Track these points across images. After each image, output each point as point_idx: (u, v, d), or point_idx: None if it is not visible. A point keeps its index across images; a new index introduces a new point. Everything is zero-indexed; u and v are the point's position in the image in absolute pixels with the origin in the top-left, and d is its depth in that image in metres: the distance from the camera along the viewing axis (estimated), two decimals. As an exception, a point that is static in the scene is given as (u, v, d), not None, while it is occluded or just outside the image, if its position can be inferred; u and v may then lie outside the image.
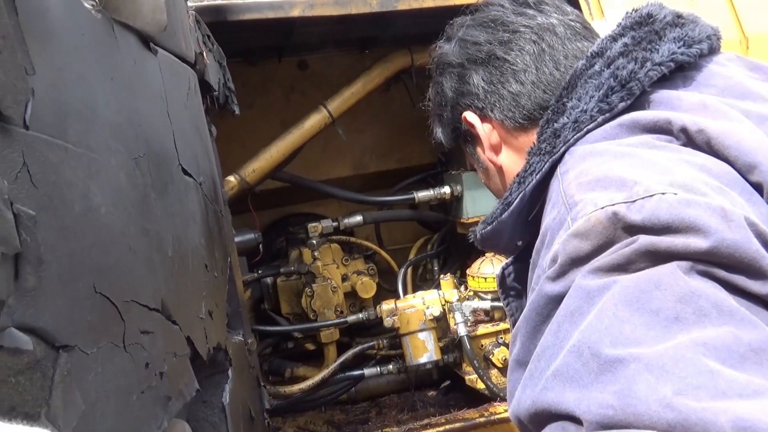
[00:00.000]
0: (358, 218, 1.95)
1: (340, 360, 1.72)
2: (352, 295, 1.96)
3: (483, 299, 1.79)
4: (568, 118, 0.67)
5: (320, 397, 1.81)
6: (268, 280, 1.95)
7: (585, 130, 0.66)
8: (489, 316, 1.84)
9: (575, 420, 0.47)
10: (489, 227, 0.76)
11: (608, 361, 0.47)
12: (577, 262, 0.54)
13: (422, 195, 1.91)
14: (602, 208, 0.54)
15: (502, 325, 1.77)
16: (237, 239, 1.50)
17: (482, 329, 1.76)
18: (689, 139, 0.60)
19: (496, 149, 0.82)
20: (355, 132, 2.17)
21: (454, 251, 2.22)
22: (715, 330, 0.46)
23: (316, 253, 1.83)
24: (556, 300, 0.56)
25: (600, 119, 0.65)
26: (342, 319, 1.78)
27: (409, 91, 2.03)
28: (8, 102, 0.34)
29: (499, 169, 0.85)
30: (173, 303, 0.56)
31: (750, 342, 0.46)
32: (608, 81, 0.66)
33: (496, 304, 1.77)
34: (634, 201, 0.53)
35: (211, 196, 0.85)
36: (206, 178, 0.82)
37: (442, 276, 1.80)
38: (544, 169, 0.68)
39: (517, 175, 0.72)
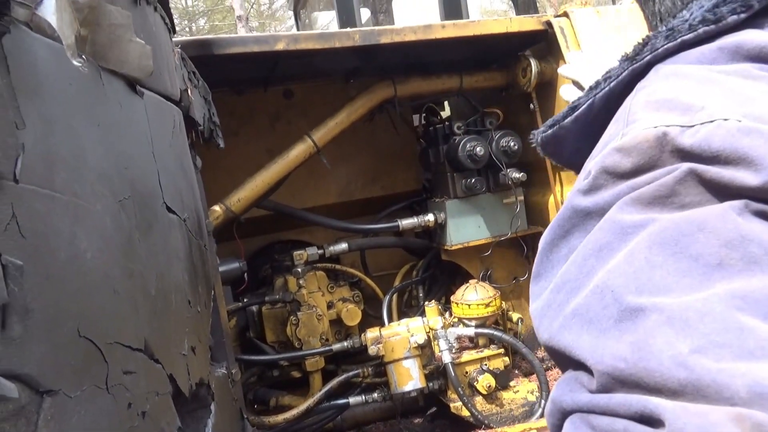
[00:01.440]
0: (344, 246, 1.97)
1: (325, 389, 1.72)
2: (337, 323, 1.96)
3: (467, 326, 1.80)
4: (665, 26, 0.57)
5: (305, 426, 1.79)
6: (254, 308, 1.95)
7: (679, 40, 0.55)
8: (473, 342, 1.85)
9: (587, 370, 0.45)
10: (549, 131, 0.68)
11: (630, 309, 0.43)
12: (612, 176, 0.49)
13: (406, 222, 1.93)
14: (655, 127, 0.48)
15: (487, 352, 1.78)
16: (222, 268, 1.50)
17: (467, 356, 1.77)
18: None
19: None
20: (341, 160, 2.20)
21: (440, 278, 2.24)
22: (764, 280, 0.41)
23: (301, 281, 1.84)
24: (581, 215, 0.51)
25: (701, 31, 0.54)
26: (327, 348, 1.78)
27: (393, 120, 2.07)
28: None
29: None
30: (156, 341, 0.57)
31: None
32: None
33: (480, 330, 1.79)
34: (692, 126, 0.46)
35: (195, 230, 0.86)
36: (190, 213, 0.83)
37: (426, 303, 1.81)
38: (621, 77, 0.59)
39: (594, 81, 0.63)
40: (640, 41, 0.59)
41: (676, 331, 0.40)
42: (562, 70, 1.62)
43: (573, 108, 0.64)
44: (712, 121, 0.46)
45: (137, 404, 0.51)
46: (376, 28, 1.53)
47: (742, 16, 0.53)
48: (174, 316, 0.66)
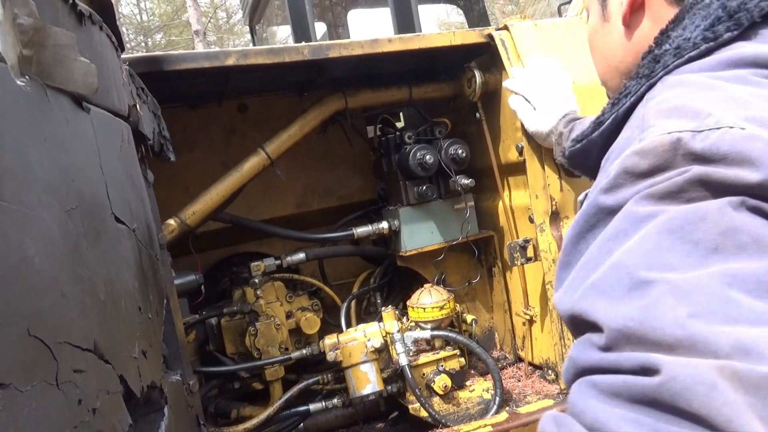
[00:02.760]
0: (301, 255, 2.00)
1: (285, 397, 1.74)
2: (297, 332, 1.99)
3: (423, 329, 1.86)
4: (670, 45, 0.68)
5: (267, 435, 1.81)
6: (213, 320, 1.96)
7: (686, 57, 0.66)
8: (430, 345, 1.90)
9: (600, 331, 0.54)
10: (578, 145, 0.78)
11: (640, 281, 0.53)
12: (631, 176, 0.58)
13: (361, 231, 1.98)
14: (669, 133, 0.57)
15: (442, 353, 1.84)
16: (177, 281, 1.52)
17: (423, 358, 1.82)
18: None
19: (635, 5, 0.79)
20: (297, 171, 2.23)
21: (397, 284, 2.29)
22: (750, 263, 0.50)
23: (258, 292, 1.86)
24: (605, 211, 0.60)
25: (703, 48, 0.65)
26: (286, 356, 1.81)
27: (346, 131, 2.12)
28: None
29: (621, 34, 0.82)
30: (106, 343, 0.60)
31: None
32: (716, 11, 0.66)
33: (436, 333, 1.84)
34: (701, 131, 0.56)
35: (146, 240, 0.89)
36: (140, 224, 0.86)
37: (383, 308, 1.85)
38: (639, 92, 0.68)
39: (611, 97, 0.74)
40: (650, 59, 0.70)
41: (677, 300, 0.50)
42: (507, 84, 1.72)
43: (599, 123, 0.76)
44: (719, 128, 0.55)
45: (88, 401, 0.54)
46: (325, 42, 1.58)
47: (735, 33, 0.65)
48: (124, 321, 0.69)
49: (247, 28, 5.30)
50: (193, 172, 2.03)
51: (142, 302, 0.78)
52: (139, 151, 1.03)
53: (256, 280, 1.86)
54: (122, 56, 1.25)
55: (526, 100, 1.67)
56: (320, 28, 5.24)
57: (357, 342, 1.72)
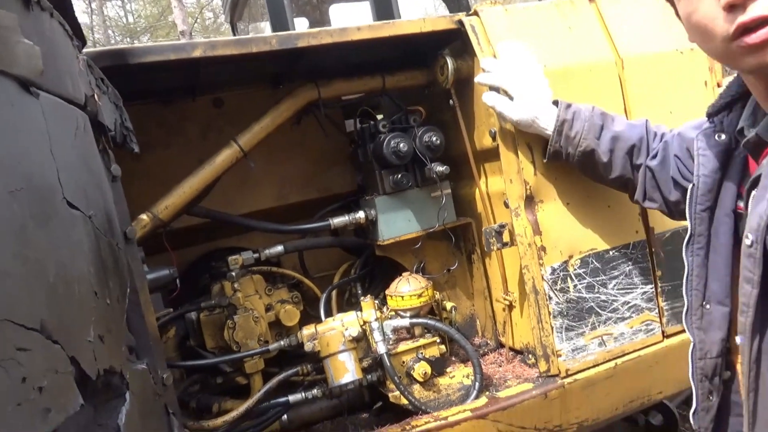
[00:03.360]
0: (279, 248, 2.00)
1: (264, 389, 1.74)
2: (277, 325, 1.99)
3: (402, 317, 1.87)
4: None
5: (249, 428, 1.81)
6: (193, 316, 1.95)
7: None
8: (410, 333, 1.91)
9: None
10: None
11: None
12: None
13: (338, 221, 1.99)
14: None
15: (422, 341, 1.85)
16: (151, 276, 1.51)
17: (403, 346, 1.83)
18: None
19: None
20: (274, 164, 2.23)
21: (378, 274, 2.30)
22: None
23: (236, 285, 1.86)
24: None
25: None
26: (264, 348, 1.81)
27: (320, 122, 2.12)
28: None
29: None
30: (54, 324, 0.60)
31: None
32: None
33: (415, 320, 1.85)
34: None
35: (105, 229, 0.88)
36: (98, 212, 0.86)
37: (362, 298, 1.86)
38: None
39: None
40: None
41: None
42: (479, 78, 1.73)
43: None
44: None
45: (33, 379, 0.54)
46: (293, 32, 1.58)
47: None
48: (77, 305, 0.69)
49: (235, 26, 5.26)
50: (170, 168, 2.01)
51: (99, 288, 0.78)
52: (100, 142, 1.03)
53: (233, 274, 1.86)
54: (86, 50, 1.24)
55: (503, 91, 1.67)
56: (302, 23, 5.22)
57: (335, 331, 1.73)
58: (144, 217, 1.62)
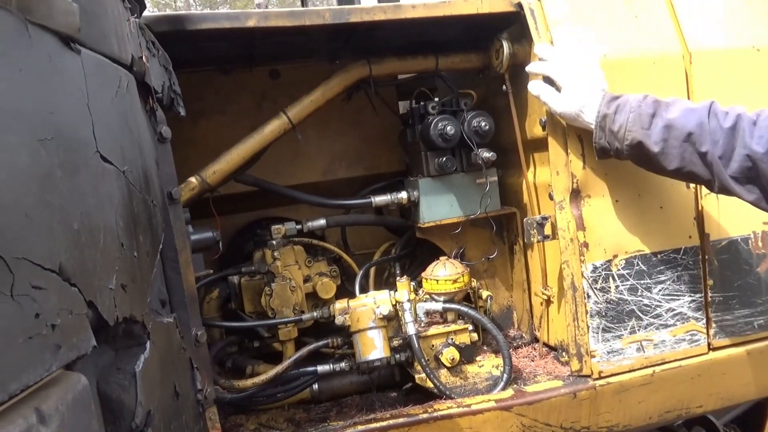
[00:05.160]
0: (322, 221, 2.03)
1: (294, 357, 1.79)
2: (314, 296, 2.03)
3: (436, 301, 1.86)
4: None
5: (277, 392, 1.87)
6: (235, 279, 2.02)
7: None
8: (443, 318, 1.91)
9: None
10: None
11: None
12: None
13: (379, 199, 1.99)
14: None
15: (453, 327, 1.84)
16: (194, 237, 1.57)
17: (433, 330, 1.83)
18: None
19: None
20: (325, 140, 2.26)
21: (419, 256, 2.29)
22: None
23: (276, 254, 1.91)
24: None
25: None
26: (297, 317, 1.85)
27: (371, 100, 2.12)
28: None
29: None
30: (74, 268, 0.64)
31: None
32: None
33: (448, 305, 1.84)
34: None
35: (140, 186, 0.93)
36: (133, 168, 0.90)
37: (398, 278, 1.87)
38: None
39: None
40: None
41: None
42: (530, 67, 1.68)
43: None
44: None
45: (46, 317, 0.58)
46: (346, 7, 1.58)
47: None
48: (101, 253, 0.73)
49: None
50: (223, 135, 2.07)
51: (127, 240, 0.81)
52: (147, 103, 1.07)
53: (275, 242, 1.91)
54: (146, 14, 1.29)
55: (551, 80, 1.62)
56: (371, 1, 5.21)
57: (366, 308, 1.74)
58: (192, 180, 1.68)
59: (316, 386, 1.95)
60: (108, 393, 0.74)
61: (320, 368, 1.83)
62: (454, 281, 1.84)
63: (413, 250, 2.26)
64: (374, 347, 1.72)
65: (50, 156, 0.64)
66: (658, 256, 1.73)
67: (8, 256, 0.54)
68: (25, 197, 0.58)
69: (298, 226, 2.00)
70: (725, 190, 1.40)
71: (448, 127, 1.83)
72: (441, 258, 1.92)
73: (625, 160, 1.56)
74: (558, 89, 1.58)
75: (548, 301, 1.91)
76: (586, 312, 1.69)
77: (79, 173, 0.70)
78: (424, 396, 1.98)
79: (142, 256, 0.89)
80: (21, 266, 0.55)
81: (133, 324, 0.81)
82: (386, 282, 2.31)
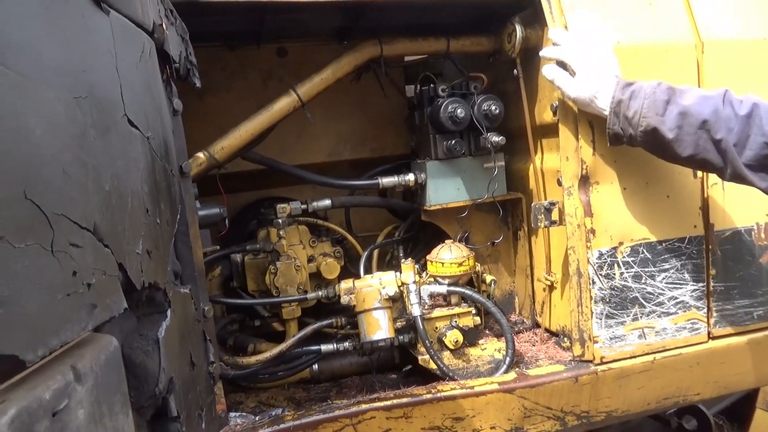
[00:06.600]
0: (327, 202, 2.03)
1: (299, 335, 1.79)
2: (317, 276, 2.03)
3: (441, 284, 1.87)
4: None
5: (279, 370, 1.87)
6: (237, 258, 2.01)
7: None
8: (447, 301, 1.91)
9: None
10: None
11: None
12: None
13: (386, 181, 1.99)
14: None
15: (457, 309, 1.84)
16: (202, 212, 1.56)
17: (438, 312, 1.84)
18: None
19: None
20: (331, 120, 2.24)
21: (422, 239, 2.30)
22: None
23: (281, 232, 1.90)
24: None
25: None
26: (302, 296, 1.85)
27: (380, 81, 2.11)
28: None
29: None
30: (106, 229, 0.63)
31: None
32: None
33: (452, 288, 1.85)
34: None
35: (161, 153, 0.92)
36: (156, 136, 0.89)
37: (403, 260, 1.87)
38: None
39: None
40: None
41: None
42: (543, 52, 1.67)
43: None
44: None
45: (83, 275, 0.58)
46: (362, -16, 1.57)
47: None
48: (129, 216, 0.72)
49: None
50: (229, 112, 2.06)
51: (151, 206, 0.81)
52: (164, 71, 1.06)
53: (280, 221, 1.90)
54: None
55: (564, 65, 1.61)
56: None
57: (372, 288, 1.74)
58: (201, 155, 1.67)
59: (315, 366, 1.95)
60: (132, 358, 0.74)
61: (324, 347, 1.84)
62: (460, 264, 1.85)
63: (416, 233, 2.26)
64: (379, 327, 1.72)
65: (84, 115, 0.63)
66: (663, 244, 1.75)
67: (48, 211, 0.53)
68: (63, 154, 0.57)
69: (303, 206, 1.99)
70: (738, 178, 1.40)
71: (459, 110, 1.83)
72: (447, 241, 1.92)
73: (637, 146, 1.56)
74: (571, 74, 1.58)
75: (551, 287, 1.92)
76: (591, 298, 1.70)
77: (109, 135, 0.69)
78: (424, 378, 1.99)
79: (163, 223, 0.88)
80: (60, 222, 0.55)
81: (155, 291, 0.81)
82: (388, 264, 2.31)
